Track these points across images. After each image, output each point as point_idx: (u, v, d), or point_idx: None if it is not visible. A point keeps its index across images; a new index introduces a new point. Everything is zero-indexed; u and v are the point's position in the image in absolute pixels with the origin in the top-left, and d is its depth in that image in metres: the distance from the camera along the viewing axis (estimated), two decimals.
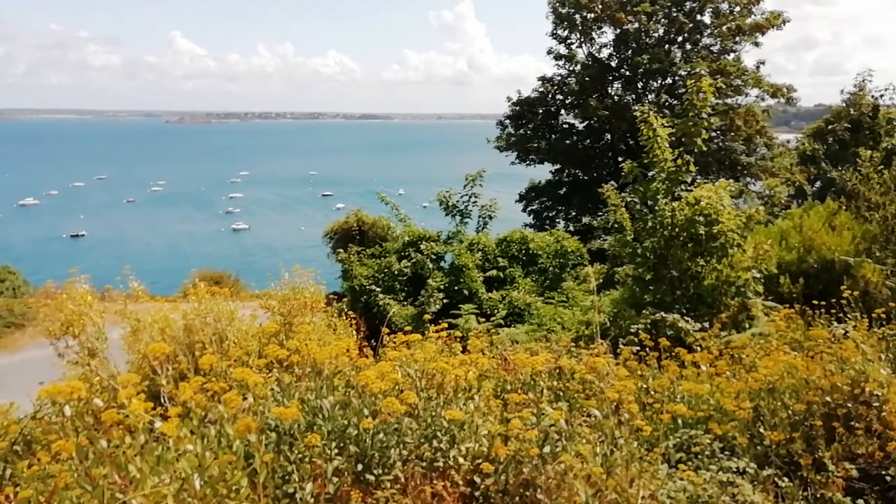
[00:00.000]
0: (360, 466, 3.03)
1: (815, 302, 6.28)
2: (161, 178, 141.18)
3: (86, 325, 4.73)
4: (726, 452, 3.74)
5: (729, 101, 28.28)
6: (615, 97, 30.25)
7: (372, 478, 3.00)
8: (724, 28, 28.74)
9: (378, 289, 15.04)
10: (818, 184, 24.70)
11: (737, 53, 29.35)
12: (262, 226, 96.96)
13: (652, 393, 4.55)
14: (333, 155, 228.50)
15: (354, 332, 6.99)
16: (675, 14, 28.57)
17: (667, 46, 29.24)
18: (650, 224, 8.97)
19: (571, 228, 27.81)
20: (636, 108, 9.92)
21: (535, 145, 31.30)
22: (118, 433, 2.56)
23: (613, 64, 31.14)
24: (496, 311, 13.97)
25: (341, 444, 3.05)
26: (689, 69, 27.10)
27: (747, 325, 7.52)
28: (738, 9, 28.50)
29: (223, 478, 2.50)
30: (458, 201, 17.41)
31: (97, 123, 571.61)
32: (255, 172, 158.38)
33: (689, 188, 9.17)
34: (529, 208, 31.87)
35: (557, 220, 31.02)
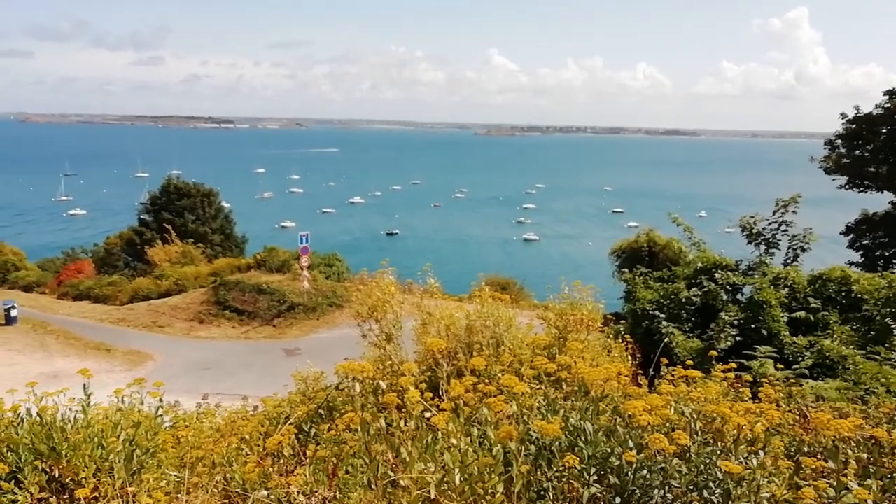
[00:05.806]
0: (618, 500, 2.89)
1: None
2: (464, 185, 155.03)
3: (387, 312, 5.36)
4: None
5: None
6: None
7: None
8: None
9: (662, 315, 14.20)
10: None
11: None
12: (551, 238, 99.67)
13: None
14: (631, 171, 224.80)
15: (629, 358, 6.71)
16: None
17: None
18: None
19: None
20: None
21: (874, 170, 26.89)
22: (396, 415, 2.82)
23: None
24: (800, 358, 12.15)
25: (601, 472, 2.95)
26: None
27: None
28: None
29: (482, 478, 2.58)
30: (763, 228, 15.63)
31: (418, 134, 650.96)
32: (551, 185, 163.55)
33: None
34: (858, 243, 27.42)
35: (894, 261, 26.17)
